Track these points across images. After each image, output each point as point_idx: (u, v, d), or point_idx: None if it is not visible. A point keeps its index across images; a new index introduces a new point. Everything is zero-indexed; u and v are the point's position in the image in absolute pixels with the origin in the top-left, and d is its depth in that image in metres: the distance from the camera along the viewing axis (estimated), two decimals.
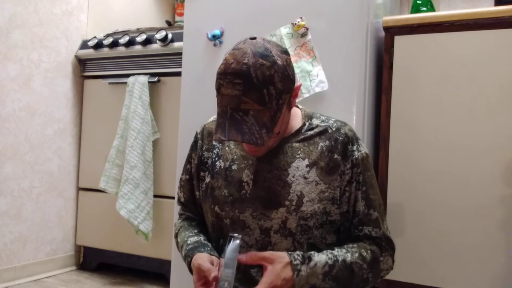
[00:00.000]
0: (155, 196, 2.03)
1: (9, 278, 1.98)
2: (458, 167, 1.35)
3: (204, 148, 1.07)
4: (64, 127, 2.24)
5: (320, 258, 0.88)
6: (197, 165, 1.07)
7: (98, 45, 2.20)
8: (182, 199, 1.14)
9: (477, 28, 1.35)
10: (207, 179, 1.04)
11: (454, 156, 1.36)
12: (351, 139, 0.97)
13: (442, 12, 1.43)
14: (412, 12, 1.78)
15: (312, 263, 0.86)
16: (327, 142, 0.96)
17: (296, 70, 1.40)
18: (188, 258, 0.96)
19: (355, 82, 1.36)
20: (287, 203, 0.93)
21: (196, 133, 1.11)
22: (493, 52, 1.33)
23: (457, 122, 1.36)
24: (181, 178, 1.13)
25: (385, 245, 0.97)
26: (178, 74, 1.88)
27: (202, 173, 1.06)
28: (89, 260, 2.29)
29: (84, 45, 2.28)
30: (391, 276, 1.39)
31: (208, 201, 1.02)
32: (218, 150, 1.04)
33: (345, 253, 0.91)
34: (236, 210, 0.96)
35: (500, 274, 1.29)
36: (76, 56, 2.28)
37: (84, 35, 2.33)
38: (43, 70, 2.12)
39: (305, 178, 0.94)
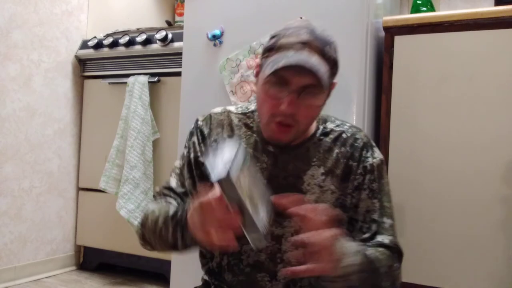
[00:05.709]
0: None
1: (9, 278, 1.98)
2: (458, 167, 1.35)
3: (212, 138, 0.97)
4: (64, 127, 2.24)
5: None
6: (204, 154, 0.96)
7: (98, 45, 2.20)
8: (175, 185, 0.97)
9: (477, 28, 1.35)
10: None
11: (454, 156, 1.36)
12: (365, 146, 0.94)
13: (442, 12, 1.43)
14: (412, 12, 1.78)
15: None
16: (343, 149, 0.93)
17: None
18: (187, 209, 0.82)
19: (355, 82, 1.36)
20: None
21: (199, 120, 1.02)
22: (493, 52, 1.33)
23: (457, 121, 1.36)
24: (176, 166, 1.00)
25: (398, 256, 0.90)
26: (178, 74, 1.88)
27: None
28: (89, 260, 2.29)
29: (84, 45, 2.28)
30: None
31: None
32: None
33: (375, 256, 0.82)
34: None
35: (500, 274, 1.29)
36: (76, 56, 2.28)
37: (84, 35, 2.33)
38: (43, 70, 2.12)
39: (320, 187, 0.90)
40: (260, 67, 0.89)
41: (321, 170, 0.91)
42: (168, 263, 1.82)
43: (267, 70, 0.81)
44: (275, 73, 0.80)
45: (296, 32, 0.82)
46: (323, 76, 0.79)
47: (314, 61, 0.79)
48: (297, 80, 0.81)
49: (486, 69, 1.34)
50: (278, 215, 0.88)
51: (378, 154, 0.95)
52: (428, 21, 1.41)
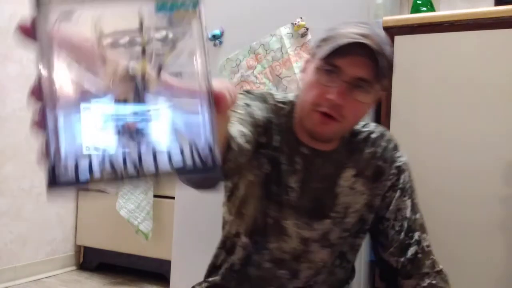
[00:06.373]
0: (155, 196, 2.03)
1: (9, 278, 1.98)
2: (458, 167, 1.35)
3: (272, 115, 0.85)
4: None
5: None
6: (264, 125, 0.83)
7: None
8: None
9: (477, 28, 1.35)
10: (263, 159, 0.85)
11: (454, 156, 1.36)
12: (395, 146, 0.93)
13: (442, 12, 1.43)
14: (412, 12, 1.78)
15: None
16: (372, 149, 0.90)
17: (296, 70, 1.41)
18: None
19: None
20: (333, 214, 0.87)
21: (255, 92, 0.88)
22: (493, 52, 1.33)
23: (457, 121, 1.36)
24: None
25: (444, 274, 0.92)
26: None
27: (262, 141, 0.84)
28: (89, 260, 2.29)
29: None
30: None
31: (259, 187, 0.87)
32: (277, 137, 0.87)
33: None
34: (280, 214, 0.86)
35: (501, 274, 1.29)
36: None
37: None
38: None
39: (352, 188, 0.88)
40: (309, 61, 0.84)
41: (352, 172, 0.89)
42: (168, 263, 1.82)
43: (323, 52, 0.76)
44: (332, 57, 0.75)
45: (356, 25, 0.78)
46: (382, 68, 0.75)
47: (377, 50, 0.74)
48: (351, 70, 0.76)
49: (486, 69, 1.34)
50: (312, 217, 0.87)
51: (403, 152, 0.95)
52: (428, 21, 1.41)
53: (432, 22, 1.41)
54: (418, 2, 1.77)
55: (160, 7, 0.33)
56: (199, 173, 0.33)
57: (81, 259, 2.32)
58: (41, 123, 0.31)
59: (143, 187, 1.98)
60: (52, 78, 0.31)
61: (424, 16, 1.44)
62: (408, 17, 1.46)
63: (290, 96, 0.90)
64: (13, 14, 1.98)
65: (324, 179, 0.87)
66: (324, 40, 0.80)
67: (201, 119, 0.33)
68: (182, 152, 0.33)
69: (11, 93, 1.98)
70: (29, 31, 0.31)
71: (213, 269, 0.96)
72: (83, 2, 0.32)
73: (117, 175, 0.32)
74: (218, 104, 0.33)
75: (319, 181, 0.87)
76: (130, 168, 0.32)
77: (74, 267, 2.30)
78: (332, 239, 0.88)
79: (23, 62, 2.03)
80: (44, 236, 2.15)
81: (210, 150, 0.33)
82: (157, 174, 0.32)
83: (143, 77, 0.32)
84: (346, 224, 0.88)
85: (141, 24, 0.33)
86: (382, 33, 0.79)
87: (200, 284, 0.97)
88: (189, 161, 0.33)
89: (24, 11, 2.02)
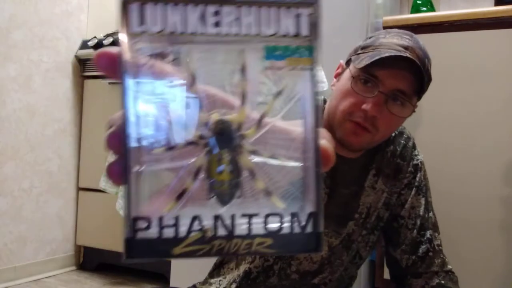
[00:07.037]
0: None
1: (9, 278, 1.98)
2: (458, 167, 1.35)
3: None
4: (64, 127, 2.24)
5: None
6: None
7: (98, 45, 2.20)
8: None
9: (477, 28, 1.35)
10: None
11: (454, 156, 1.36)
12: (413, 144, 0.93)
13: (442, 12, 1.43)
14: (412, 12, 1.78)
15: None
16: (392, 147, 0.90)
17: None
18: None
19: None
20: (356, 216, 0.87)
21: None
22: (493, 52, 1.33)
23: (457, 121, 1.36)
24: None
25: (452, 274, 0.91)
26: None
27: None
28: (89, 260, 2.29)
29: (84, 45, 2.27)
30: None
31: None
32: None
33: None
34: None
35: (501, 274, 1.29)
36: (76, 56, 2.28)
37: (84, 35, 2.32)
38: (43, 70, 2.12)
39: (373, 188, 0.88)
40: (344, 66, 0.83)
41: (373, 171, 0.88)
42: (168, 263, 1.82)
43: (363, 62, 0.74)
44: (371, 67, 0.73)
45: (399, 35, 0.77)
46: (423, 82, 0.74)
47: (420, 65, 0.73)
48: (391, 82, 0.74)
49: (486, 69, 1.34)
50: (338, 223, 0.86)
51: (419, 151, 0.94)
52: (428, 21, 1.41)
53: (432, 22, 1.41)
54: (418, 2, 1.77)
55: (268, 55, 0.29)
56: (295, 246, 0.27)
57: (81, 259, 2.32)
58: (119, 178, 0.26)
59: None
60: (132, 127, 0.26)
61: (424, 16, 1.44)
62: (408, 17, 1.46)
63: None
64: (13, 14, 1.98)
65: (351, 184, 0.87)
66: (364, 48, 0.78)
67: (300, 177, 0.27)
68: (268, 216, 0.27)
69: (11, 93, 1.98)
70: (112, 67, 0.27)
71: (219, 266, 0.96)
72: (179, 44, 0.28)
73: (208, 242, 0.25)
74: (324, 164, 0.28)
75: (346, 187, 0.87)
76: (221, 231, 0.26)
77: (74, 267, 2.30)
78: (354, 239, 0.89)
79: (23, 62, 2.03)
80: (44, 236, 2.15)
81: (309, 216, 0.27)
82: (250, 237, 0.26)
83: (239, 127, 0.28)
84: (368, 224, 0.88)
85: (242, 71, 0.28)
86: (423, 45, 0.78)
87: (202, 283, 0.97)
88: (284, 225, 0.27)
89: (24, 11, 2.02)
